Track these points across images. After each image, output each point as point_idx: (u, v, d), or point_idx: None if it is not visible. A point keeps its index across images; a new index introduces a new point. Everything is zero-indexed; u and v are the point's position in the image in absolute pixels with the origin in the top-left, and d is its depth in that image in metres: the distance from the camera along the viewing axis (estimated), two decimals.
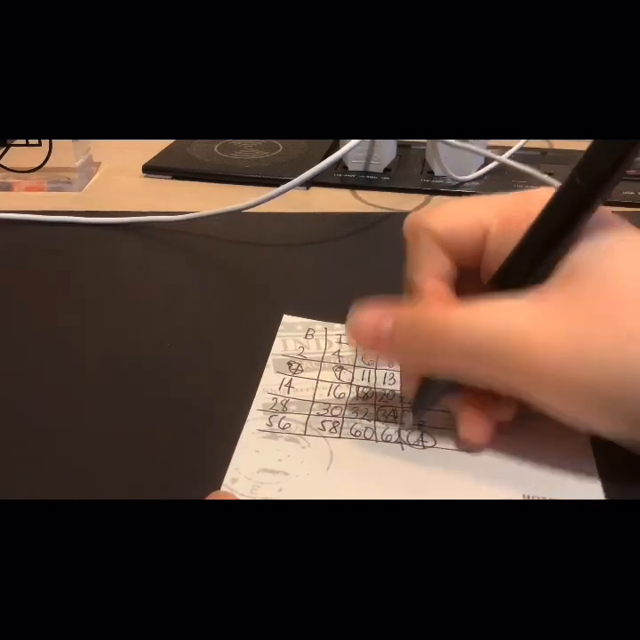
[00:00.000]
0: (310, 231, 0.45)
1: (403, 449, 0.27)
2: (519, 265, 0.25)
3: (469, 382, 0.25)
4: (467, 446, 0.27)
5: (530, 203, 0.25)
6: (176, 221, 0.44)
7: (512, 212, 0.26)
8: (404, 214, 0.29)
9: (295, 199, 0.49)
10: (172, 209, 0.46)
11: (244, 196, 0.44)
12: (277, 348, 0.32)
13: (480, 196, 0.28)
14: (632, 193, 0.50)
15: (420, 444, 0.27)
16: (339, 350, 0.32)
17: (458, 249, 0.27)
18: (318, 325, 0.33)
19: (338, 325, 0.33)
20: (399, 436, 0.27)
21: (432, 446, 0.27)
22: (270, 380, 0.30)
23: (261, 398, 0.29)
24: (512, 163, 0.50)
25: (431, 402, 0.27)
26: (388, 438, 0.27)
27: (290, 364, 0.31)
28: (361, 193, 0.52)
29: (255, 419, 0.28)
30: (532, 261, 0.25)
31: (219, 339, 0.34)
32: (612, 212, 0.25)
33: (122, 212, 0.46)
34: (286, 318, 0.34)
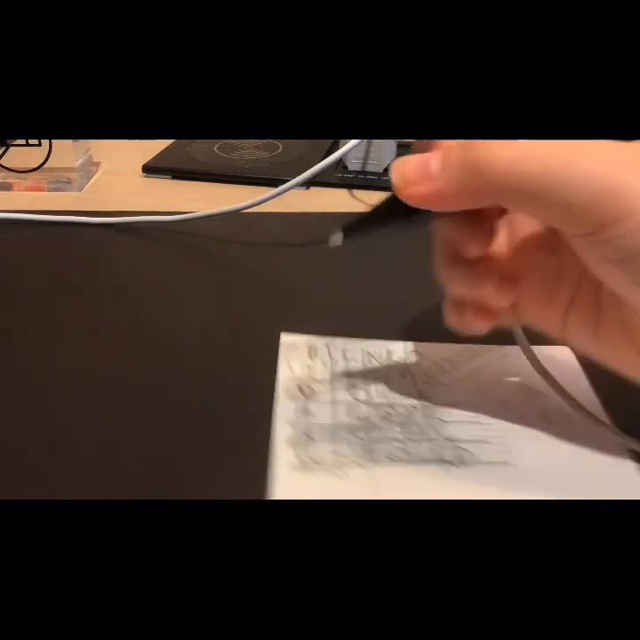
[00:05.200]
0: (310, 231, 0.45)
1: (441, 467, 0.26)
2: None
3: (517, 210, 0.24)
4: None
5: None
6: (176, 221, 0.44)
7: None
8: None
9: (295, 199, 0.49)
10: (172, 209, 0.46)
11: (243, 195, 0.44)
12: (283, 371, 0.30)
13: None
14: None
15: (457, 460, 0.26)
16: (346, 367, 0.31)
17: None
18: (319, 342, 0.32)
19: (339, 341, 0.32)
20: (434, 454, 0.26)
21: (470, 462, 0.26)
22: (285, 407, 0.28)
23: (281, 430, 0.27)
24: None
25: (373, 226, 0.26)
26: (424, 457, 0.26)
27: (300, 387, 0.29)
28: (361, 193, 0.52)
29: (282, 453, 0.26)
30: None
31: (218, 339, 0.34)
32: None
33: (122, 211, 0.46)
34: (285, 337, 0.32)
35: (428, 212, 0.24)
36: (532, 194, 0.22)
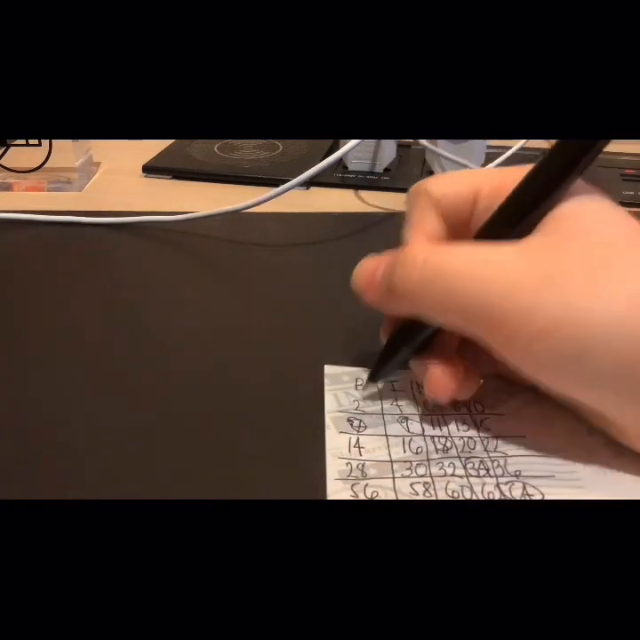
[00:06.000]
0: (310, 231, 0.45)
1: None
2: (503, 219, 0.25)
3: (447, 327, 0.25)
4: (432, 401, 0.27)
5: (523, 172, 0.25)
6: (176, 221, 0.44)
7: (504, 178, 0.26)
8: (404, 214, 0.29)
9: (295, 199, 0.49)
10: (172, 209, 0.46)
11: (243, 195, 0.44)
12: (331, 404, 0.29)
13: (483, 168, 0.28)
14: (632, 193, 0.51)
15: (526, 496, 0.24)
16: (396, 399, 0.29)
17: (452, 212, 0.27)
18: (365, 374, 0.30)
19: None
20: (500, 491, 0.25)
21: (540, 499, 0.24)
22: (336, 442, 0.27)
23: (334, 465, 0.26)
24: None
25: (393, 368, 0.28)
26: (490, 495, 0.24)
27: (350, 420, 0.28)
28: (361, 193, 0.52)
29: (337, 491, 0.25)
30: (516, 216, 0.25)
31: (218, 339, 0.34)
32: None
33: (122, 211, 0.46)
34: (328, 369, 0.31)
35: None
36: (448, 310, 0.24)
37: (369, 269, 0.27)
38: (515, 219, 0.25)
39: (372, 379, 0.28)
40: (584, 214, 0.24)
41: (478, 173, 0.28)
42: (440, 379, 0.26)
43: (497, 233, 0.25)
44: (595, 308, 0.22)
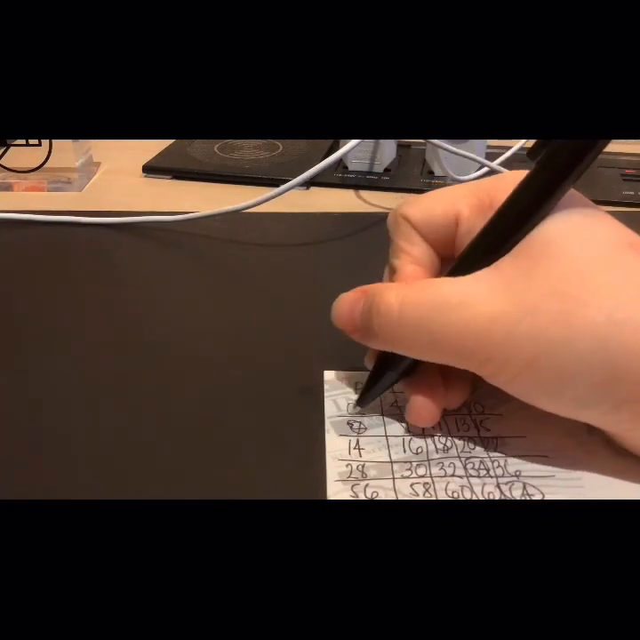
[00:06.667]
0: (310, 231, 0.45)
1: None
2: (477, 251, 0.25)
3: (429, 360, 0.25)
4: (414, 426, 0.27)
5: (500, 186, 0.25)
6: (176, 221, 0.44)
7: (483, 197, 0.26)
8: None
9: (295, 199, 0.49)
10: (172, 209, 0.46)
11: (243, 195, 0.44)
12: (330, 409, 0.29)
13: (459, 184, 0.28)
14: (632, 193, 0.50)
15: (526, 496, 0.24)
16: (396, 400, 0.29)
17: (434, 235, 0.27)
18: (364, 377, 0.30)
19: None
20: (500, 491, 0.25)
21: (540, 499, 0.24)
22: (336, 444, 0.27)
23: (334, 467, 0.26)
24: (503, 169, 0.50)
25: (379, 392, 0.28)
26: (490, 496, 0.24)
27: (350, 423, 0.28)
28: (361, 193, 0.52)
29: (337, 492, 0.25)
30: (491, 247, 0.24)
31: (218, 339, 0.34)
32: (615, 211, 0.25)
33: (122, 211, 0.46)
34: (328, 375, 0.31)
35: None
36: (421, 342, 0.24)
37: (347, 304, 0.26)
38: (495, 246, 0.24)
39: (360, 403, 0.28)
40: (558, 235, 0.23)
41: (457, 191, 0.27)
42: (420, 408, 0.27)
43: (478, 260, 0.25)
44: (569, 337, 0.22)
